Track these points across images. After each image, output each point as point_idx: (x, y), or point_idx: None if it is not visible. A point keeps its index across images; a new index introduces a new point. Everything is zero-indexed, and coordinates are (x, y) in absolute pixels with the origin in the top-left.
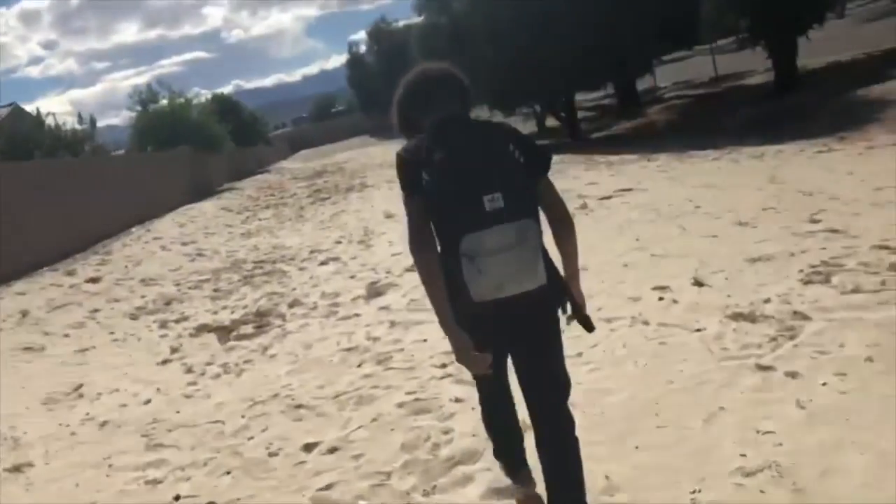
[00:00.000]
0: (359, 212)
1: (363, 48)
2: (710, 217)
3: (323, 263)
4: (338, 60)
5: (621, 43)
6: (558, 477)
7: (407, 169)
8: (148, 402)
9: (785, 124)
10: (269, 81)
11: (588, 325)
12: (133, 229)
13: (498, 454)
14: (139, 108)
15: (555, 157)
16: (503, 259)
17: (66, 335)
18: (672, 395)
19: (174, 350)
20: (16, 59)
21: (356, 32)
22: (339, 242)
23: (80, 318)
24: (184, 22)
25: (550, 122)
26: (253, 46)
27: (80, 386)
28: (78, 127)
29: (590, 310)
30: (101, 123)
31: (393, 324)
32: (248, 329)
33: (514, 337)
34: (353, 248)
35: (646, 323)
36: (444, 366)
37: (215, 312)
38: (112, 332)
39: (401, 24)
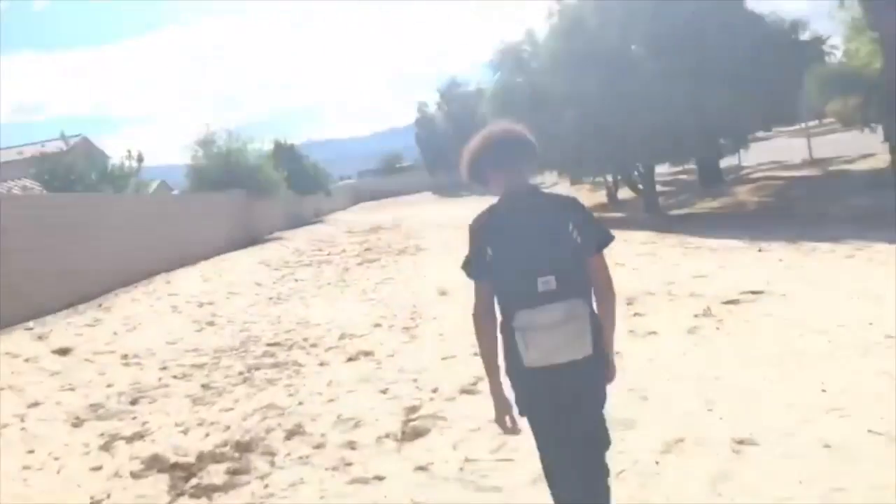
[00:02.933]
0: (409, 282)
1: (433, 108)
2: None
3: (351, 360)
4: (406, 119)
5: (717, 116)
6: (590, 490)
7: (474, 246)
8: None
9: None
10: (339, 133)
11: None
12: (156, 278)
13: None
14: (197, 149)
15: (642, 236)
16: (552, 334)
17: None
18: None
19: None
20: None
21: (427, 92)
22: (379, 325)
23: (3, 419)
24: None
25: (623, 194)
26: (328, 99)
27: None
28: (127, 163)
29: None
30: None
31: None
32: (218, 474)
33: (561, 398)
34: (395, 339)
35: None
36: None
37: (185, 431)
38: (31, 451)
39: (471, 87)
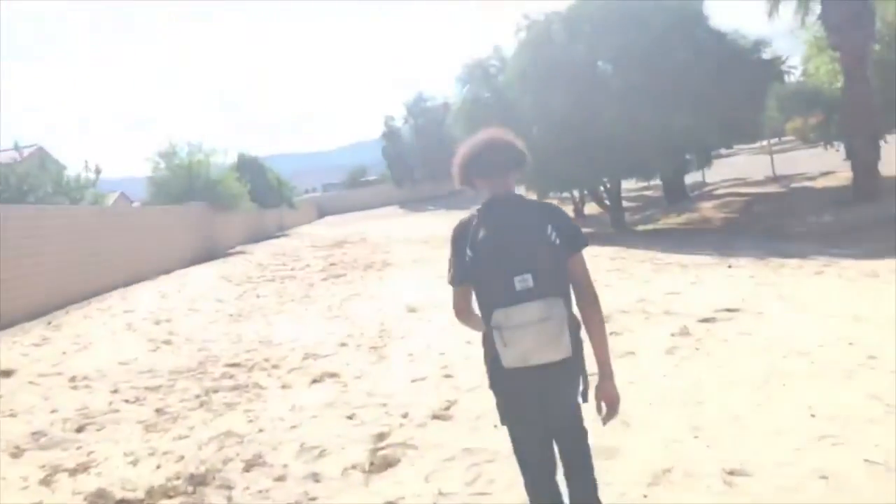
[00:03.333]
0: (376, 298)
1: (399, 122)
2: None
3: (315, 381)
4: (373, 132)
5: (683, 132)
6: (578, 484)
7: (454, 250)
8: None
9: (876, 235)
10: (304, 147)
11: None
12: (112, 293)
13: None
14: (158, 161)
15: (610, 251)
16: (527, 332)
17: None
18: None
19: None
20: None
21: (394, 106)
22: (345, 345)
23: None
24: None
25: (589, 209)
26: (293, 112)
27: None
28: (83, 174)
29: None
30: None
31: None
32: None
33: (539, 397)
34: (362, 359)
35: None
36: None
37: (135, 462)
38: None
39: (438, 102)
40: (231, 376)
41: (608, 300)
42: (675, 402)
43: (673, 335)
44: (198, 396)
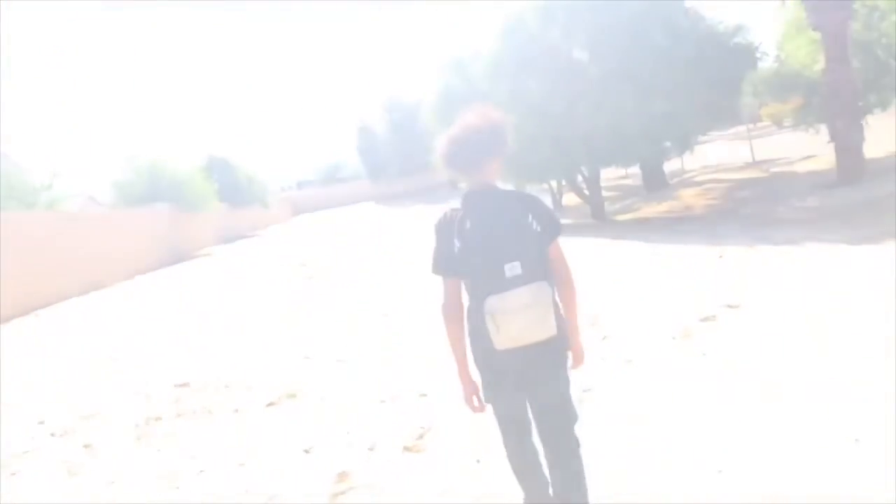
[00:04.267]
0: (346, 303)
1: (374, 117)
2: None
3: (271, 405)
4: (348, 128)
5: (662, 119)
6: (565, 489)
7: (440, 241)
8: None
9: (866, 219)
10: (280, 143)
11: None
12: (63, 304)
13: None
14: (122, 163)
15: (590, 242)
16: (519, 316)
17: None
18: None
19: None
20: None
21: (368, 102)
22: (308, 358)
23: None
24: None
25: (567, 200)
26: (268, 107)
27: None
28: (39, 178)
29: None
30: None
31: None
32: None
33: (528, 377)
34: (325, 375)
35: None
36: None
37: None
38: None
39: (413, 96)
40: (177, 399)
41: (597, 299)
42: (686, 425)
43: (674, 338)
44: (136, 426)
